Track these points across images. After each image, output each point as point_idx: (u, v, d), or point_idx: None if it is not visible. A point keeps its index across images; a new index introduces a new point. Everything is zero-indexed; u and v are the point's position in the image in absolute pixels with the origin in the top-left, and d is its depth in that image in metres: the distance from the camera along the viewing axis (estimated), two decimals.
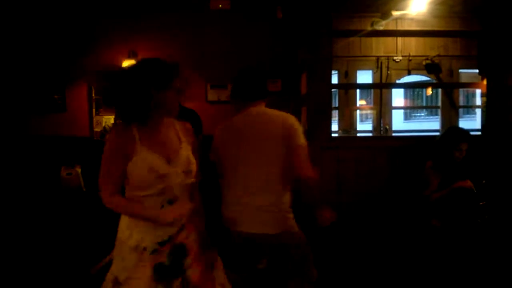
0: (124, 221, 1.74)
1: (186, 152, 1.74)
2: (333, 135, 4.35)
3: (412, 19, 5.52)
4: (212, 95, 4.86)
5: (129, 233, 1.70)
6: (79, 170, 4.46)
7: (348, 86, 6.04)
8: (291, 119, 2.08)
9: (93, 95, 4.83)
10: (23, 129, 4.75)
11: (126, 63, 4.67)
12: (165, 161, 1.66)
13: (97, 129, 4.75)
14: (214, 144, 2.16)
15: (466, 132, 3.33)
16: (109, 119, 4.67)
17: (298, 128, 2.07)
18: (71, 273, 3.38)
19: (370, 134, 6.60)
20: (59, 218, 4.27)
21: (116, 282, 1.68)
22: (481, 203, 3.12)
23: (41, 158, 4.61)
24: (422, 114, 14.29)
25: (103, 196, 1.67)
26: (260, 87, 2.16)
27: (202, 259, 1.76)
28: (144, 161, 1.62)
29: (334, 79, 5.68)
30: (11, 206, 4.29)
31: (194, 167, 1.74)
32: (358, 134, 6.44)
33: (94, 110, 4.83)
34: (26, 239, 3.95)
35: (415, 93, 13.31)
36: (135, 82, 1.62)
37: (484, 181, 3.26)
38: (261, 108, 2.13)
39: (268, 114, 2.11)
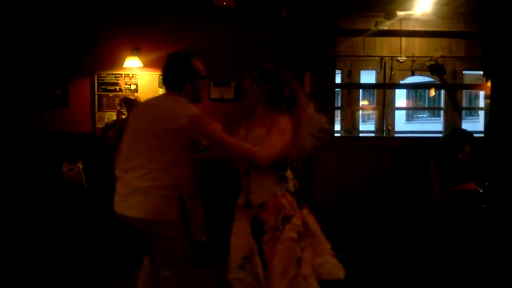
0: None
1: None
2: (335, 135, 4.34)
3: (416, 20, 5.50)
4: (214, 93, 4.85)
5: None
6: (80, 166, 4.45)
7: (352, 86, 6.02)
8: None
9: (96, 90, 4.82)
10: (25, 124, 4.74)
11: (129, 59, 4.65)
12: None
13: (99, 125, 4.74)
14: None
15: (469, 134, 3.31)
16: (111, 116, 4.66)
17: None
18: (70, 267, 3.37)
19: (373, 135, 6.58)
20: (60, 214, 4.27)
21: None
22: (484, 206, 3.11)
23: (43, 154, 4.61)
24: (424, 115, 14.26)
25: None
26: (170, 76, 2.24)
27: (275, 244, 2.00)
28: None
29: (337, 79, 5.66)
30: (13, 201, 4.28)
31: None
32: (360, 135, 6.41)
33: (96, 106, 4.82)
34: (28, 234, 3.95)
35: (418, 94, 13.29)
36: None
37: (486, 183, 3.25)
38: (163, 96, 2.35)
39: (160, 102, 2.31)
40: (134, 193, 2.06)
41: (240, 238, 2.10)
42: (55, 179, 4.44)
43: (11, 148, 4.59)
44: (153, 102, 2.36)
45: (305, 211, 2.11)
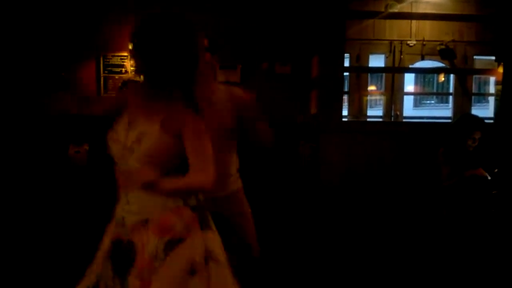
0: None
1: (144, 126, 1.37)
2: (342, 119, 4.31)
3: (427, 2, 5.38)
4: (220, 76, 4.80)
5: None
6: (87, 148, 4.46)
7: (361, 69, 5.94)
8: None
9: (102, 73, 4.79)
10: (30, 107, 4.74)
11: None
12: (127, 126, 1.40)
13: None
14: None
15: (480, 120, 3.26)
16: None
17: None
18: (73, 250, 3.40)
19: (380, 120, 6.52)
20: (68, 195, 4.30)
21: None
22: (493, 192, 3.08)
23: (49, 136, 4.62)
24: (432, 101, 14.10)
25: None
26: None
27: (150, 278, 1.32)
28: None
29: (346, 63, 5.57)
30: (21, 184, 4.31)
31: (138, 147, 1.35)
32: (368, 120, 6.35)
33: (102, 88, 4.80)
34: (35, 217, 3.99)
35: (426, 79, 13.10)
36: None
37: (496, 170, 3.21)
38: None
39: None
40: None
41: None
42: (62, 161, 4.45)
43: (18, 131, 4.60)
44: None
45: (211, 234, 1.45)
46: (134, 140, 1.36)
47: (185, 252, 1.35)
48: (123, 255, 1.37)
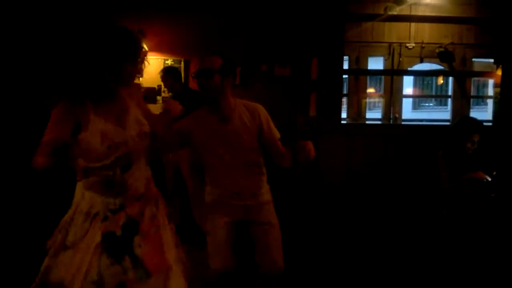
0: (79, 184, 1.72)
1: (134, 113, 1.65)
2: (342, 122, 4.32)
3: (427, 5, 5.40)
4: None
5: (81, 194, 1.69)
6: None
7: (360, 71, 5.95)
8: None
9: None
10: (34, 109, 4.73)
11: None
12: (121, 129, 1.60)
13: None
14: None
15: (479, 122, 3.26)
16: None
17: None
18: None
19: (379, 123, 6.53)
20: (69, 195, 4.28)
21: (64, 245, 1.62)
22: (492, 195, 3.08)
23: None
24: (431, 104, 14.14)
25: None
26: None
27: (153, 238, 1.66)
28: (98, 131, 1.54)
29: (345, 65, 5.58)
30: (22, 183, 4.30)
31: (146, 128, 1.66)
32: (367, 123, 6.36)
33: None
34: (35, 216, 3.98)
35: (425, 82, 13.14)
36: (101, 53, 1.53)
37: (495, 173, 3.21)
38: None
39: None
40: None
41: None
42: (63, 162, 4.43)
43: (19, 131, 4.59)
44: None
45: None
46: (139, 127, 1.64)
47: (163, 208, 1.77)
48: (129, 234, 1.61)
